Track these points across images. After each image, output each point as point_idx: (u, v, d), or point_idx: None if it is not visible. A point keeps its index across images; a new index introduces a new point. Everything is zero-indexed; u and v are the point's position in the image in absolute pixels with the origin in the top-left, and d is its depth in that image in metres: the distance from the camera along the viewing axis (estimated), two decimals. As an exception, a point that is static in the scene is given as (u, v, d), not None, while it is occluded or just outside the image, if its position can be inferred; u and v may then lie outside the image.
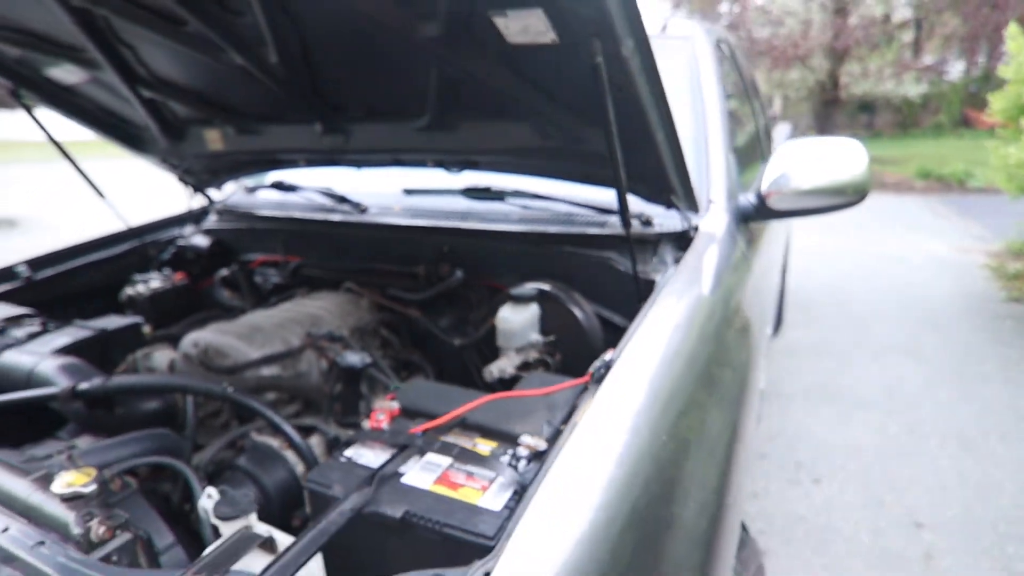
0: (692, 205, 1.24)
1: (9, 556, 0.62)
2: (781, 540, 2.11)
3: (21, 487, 0.69)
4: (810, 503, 2.31)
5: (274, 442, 0.98)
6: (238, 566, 0.59)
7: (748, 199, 1.46)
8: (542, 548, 0.55)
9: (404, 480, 0.72)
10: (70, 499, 0.65)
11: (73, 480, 0.66)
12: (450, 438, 0.80)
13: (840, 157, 1.43)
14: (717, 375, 0.94)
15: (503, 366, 1.09)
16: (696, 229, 1.27)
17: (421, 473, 0.73)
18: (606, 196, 1.31)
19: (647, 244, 1.27)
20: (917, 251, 5.81)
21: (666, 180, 1.12)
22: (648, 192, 1.23)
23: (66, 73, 1.38)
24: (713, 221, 1.33)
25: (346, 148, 1.42)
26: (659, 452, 0.71)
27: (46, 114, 1.54)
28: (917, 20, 13.17)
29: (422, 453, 0.76)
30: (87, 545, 0.62)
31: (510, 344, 1.14)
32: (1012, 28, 4.46)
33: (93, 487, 0.66)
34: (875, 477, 2.45)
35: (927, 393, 3.11)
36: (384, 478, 0.71)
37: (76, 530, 0.62)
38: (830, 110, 13.68)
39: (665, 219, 1.29)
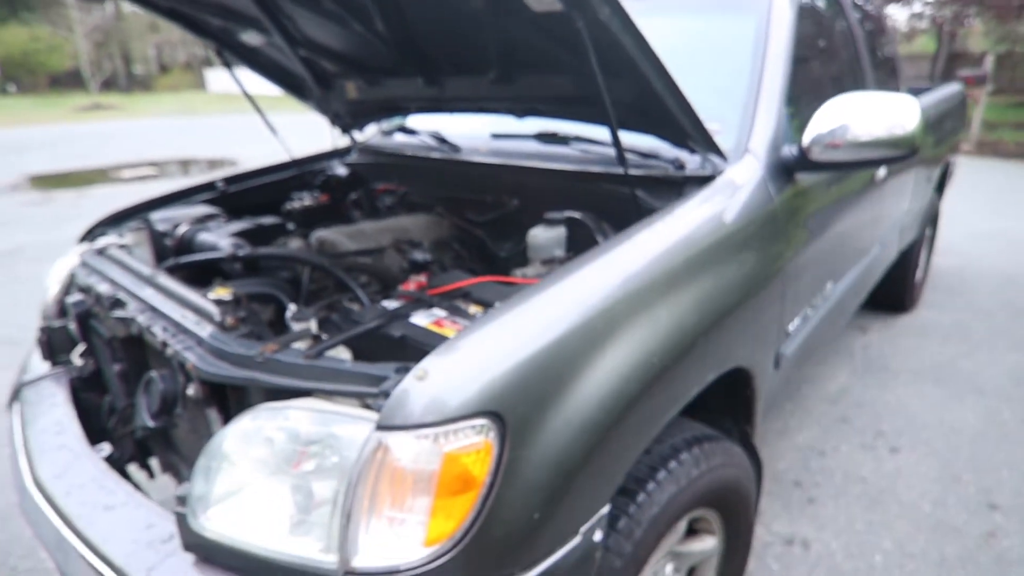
0: (712, 150, 1.40)
1: (183, 328, 1.08)
2: (832, 493, 2.18)
3: (194, 295, 1.15)
4: (878, 468, 2.31)
5: (356, 308, 1.37)
6: (296, 345, 0.97)
7: (791, 151, 1.56)
8: (464, 351, 0.86)
9: (411, 319, 1.06)
10: (216, 302, 1.09)
11: (219, 292, 1.10)
12: (456, 303, 1.12)
13: (889, 112, 1.47)
14: (671, 286, 1.14)
15: (526, 271, 1.38)
16: (720, 174, 1.43)
17: (423, 318, 1.06)
18: (645, 142, 1.52)
19: (674, 185, 1.47)
20: None
21: (678, 126, 1.31)
22: (672, 138, 1.42)
23: (251, 38, 1.87)
24: (742, 168, 1.47)
25: (442, 97, 1.77)
26: (589, 317, 0.96)
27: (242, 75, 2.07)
28: None
29: (429, 306, 1.10)
30: (222, 328, 1.05)
31: (537, 256, 1.42)
32: None
33: (230, 297, 1.09)
34: (962, 456, 2.36)
35: (1067, 389, 2.82)
36: (397, 315, 1.06)
37: (217, 318, 1.06)
38: (1067, 71, 11.39)
39: (696, 164, 1.47)
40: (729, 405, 1.52)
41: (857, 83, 2.27)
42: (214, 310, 1.07)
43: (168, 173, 10.09)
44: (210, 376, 0.98)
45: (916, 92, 3.60)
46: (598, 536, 0.95)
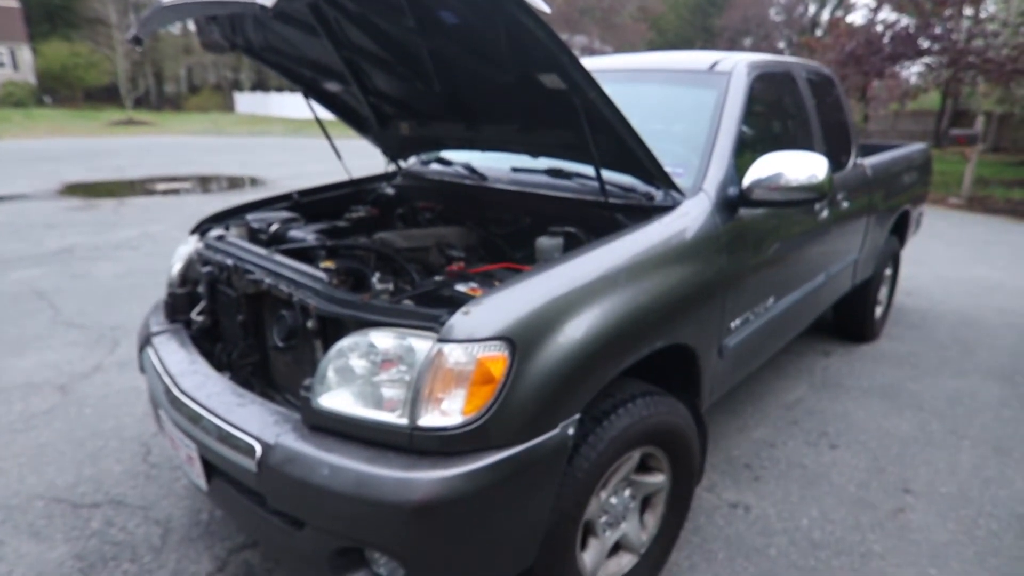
0: (672, 187, 1.93)
1: (302, 284, 1.61)
2: (775, 475, 2.64)
3: (305, 266, 1.68)
4: (817, 459, 2.77)
5: (408, 285, 1.89)
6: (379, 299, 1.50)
7: (734, 191, 2.09)
8: (492, 301, 1.38)
9: (456, 287, 1.58)
10: (324, 270, 1.61)
11: (327, 264, 1.63)
12: (484, 279, 1.65)
13: (808, 166, 2.00)
14: (633, 275, 1.65)
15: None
16: (678, 205, 1.96)
17: (462, 287, 1.59)
18: (625, 180, 2.05)
19: (645, 211, 1.99)
20: (1086, 292, 5.40)
21: (645, 168, 1.85)
22: (643, 177, 1.96)
23: (332, 86, 2.44)
24: (696, 202, 2.00)
25: (477, 139, 2.33)
26: (572, 287, 1.48)
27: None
28: None
29: (466, 280, 1.62)
30: (330, 285, 1.57)
31: (542, 258, 1.92)
32: None
33: (333, 266, 1.62)
34: (890, 455, 2.82)
35: (992, 410, 3.27)
36: (447, 283, 1.58)
37: (324, 279, 1.58)
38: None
39: (661, 197, 2.00)
40: (684, 383, 2.01)
41: (805, 139, 2.81)
42: (323, 275, 1.60)
43: (199, 188, 10.79)
44: (327, 313, 1.49)
45: (879, 149, 4.17)
46: (570, 431, 1.45)
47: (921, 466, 2.74)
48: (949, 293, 5.34)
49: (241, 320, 1.86)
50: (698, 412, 2.01)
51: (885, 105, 18.91)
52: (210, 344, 2.05)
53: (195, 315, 2.07)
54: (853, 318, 3.95)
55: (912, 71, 15.77)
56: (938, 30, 11.55)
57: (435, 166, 2.81)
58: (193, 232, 2.34)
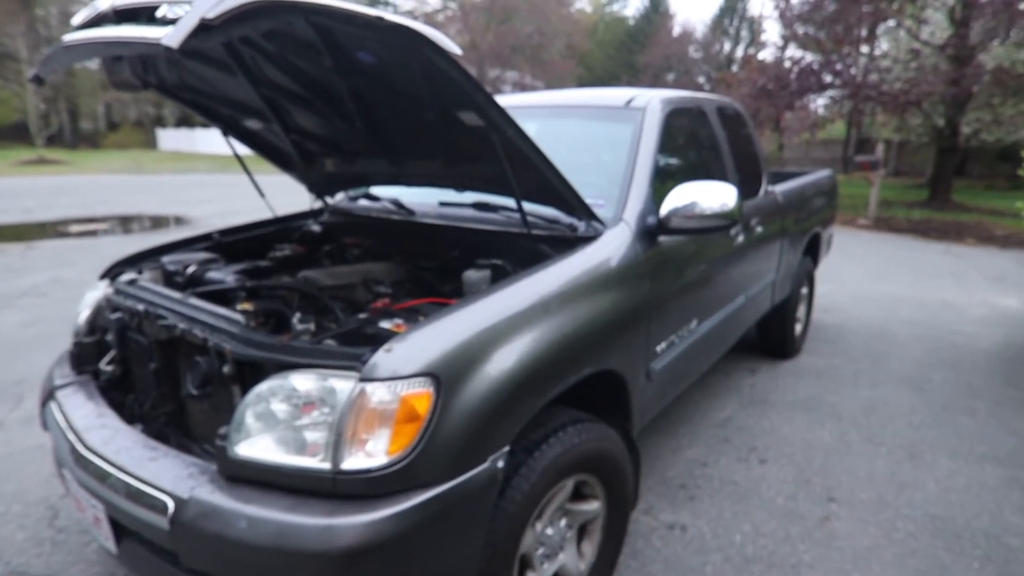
0: (593, 218, 2.00)
1: (218, 328, 1.55)
2: (709, 493, 2.71)
3: (222, 309, 1.62)
4: (747, 474, 2.86)
5: (332, 324, 1.85)
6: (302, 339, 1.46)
7: (652, 220, 2.17)
8: (415, 338, 1.37)
9: (380, 324, 1.56)
10: (241, 312, 1.56)
11: (245, 306, 1.57)
12: (409, 315, 1.63)
13: (719, 195, 2.11)
14: (558, 305, 1.68)
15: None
16: (600, 235, 2.02)
17: (386, 324, 1.57)
18: (549, 212, 2.10)
19: (569, 242, 2.04)
20: (985, 303, 5.89)
21: (565, 201, 1.90)
22: (565, 209, 2.01)
23: (252, 124, 2.40)
24: (617, 232, 2.07)
25: (403, 174, 2.33)
26: (496, 321, 1.49)
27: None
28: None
29: (391, 317, 1.60)
30: (248, 328, 1.52)
31: (470, 291, 1.93)
32: None
33: (251, 309, 1.57)
34: (814, 466, 2.95)
35: (904, 416, 3.48)
36: (371, 320, 1.56)
37: (241, 322, 1.53)
38: (948, 158, 13.16)
39: (583, 228, 2.06)
40: (613, 408, 2.05)
41: (718, 170, 2.96)
42: (240, 317, 1.55)
43: (119, 229, 10.27)
44: (244, 356, 1.44)
45: (788, 176, 4.44)
46: (500, 464, 1.44)
47: (843, 475, 2.88)
48: (860, 309, 5.69)
49: (154, 368, 1.77)
50: (630, 436, 2.03)
51: (797, 135, 20.28)
52: (121, 395, 1.93)
53: (104, 365, 1.95)
54: (775, 336, 4.14)
55: (819, 103, 17.00)
56: (838, 66, 12.55)
57: (363, 202, 2.80)
58: (103, 277, 2.22)
